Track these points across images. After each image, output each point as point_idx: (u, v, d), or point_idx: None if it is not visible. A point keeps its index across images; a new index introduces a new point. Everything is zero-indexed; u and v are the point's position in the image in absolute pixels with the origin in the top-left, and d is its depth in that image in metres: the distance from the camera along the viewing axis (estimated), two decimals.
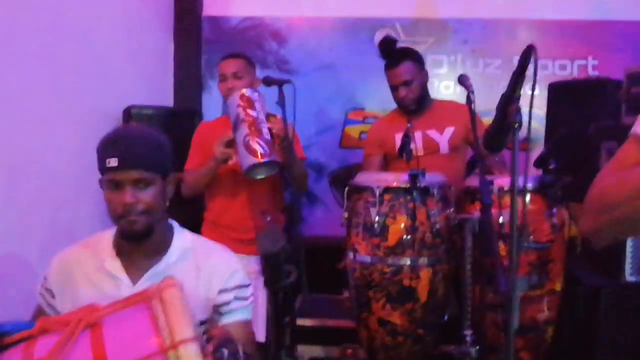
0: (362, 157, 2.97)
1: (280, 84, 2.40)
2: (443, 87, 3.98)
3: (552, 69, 3.92)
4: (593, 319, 2.35)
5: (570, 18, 3.89)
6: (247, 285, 1.58)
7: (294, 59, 3.99)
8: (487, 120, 3.89)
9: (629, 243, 2.34)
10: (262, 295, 2.48)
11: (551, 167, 2.25)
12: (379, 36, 2.97)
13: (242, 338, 1.48)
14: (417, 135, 2.65)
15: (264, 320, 2.55)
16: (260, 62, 3.95)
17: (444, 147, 2.72)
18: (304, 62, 3.98)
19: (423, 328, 2.29)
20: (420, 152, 2.61)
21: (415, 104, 2.72)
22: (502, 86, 3.97)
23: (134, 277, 1.50)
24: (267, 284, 1.21)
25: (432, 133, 2.71)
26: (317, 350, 3.04)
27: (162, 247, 1.54)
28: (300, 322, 3.08)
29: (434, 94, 3.05)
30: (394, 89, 2.76)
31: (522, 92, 1.68)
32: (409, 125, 2.29)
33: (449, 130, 2.72)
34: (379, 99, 3.90)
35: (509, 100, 1.28)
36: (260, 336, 2.51)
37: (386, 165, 2.84)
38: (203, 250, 1.58)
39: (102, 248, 1.54)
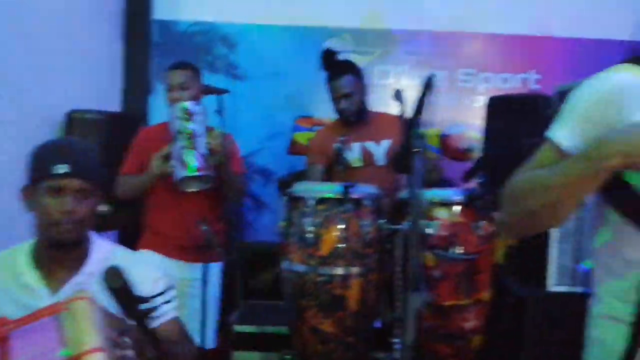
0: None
1: (219, 93, 2.43)
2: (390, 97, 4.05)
3: (494, 81, 4.05)
4: (519, 327, 2.45)
5: (514, 33, 4.02)
6: (171, 288, 1.61)
7: (243, 65, 4.01)
8: (430, 131, 4.05)
9: (553, 254, 2.44)
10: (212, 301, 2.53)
11: (479, 180, 2.33)
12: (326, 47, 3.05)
13: (176, 334, 1.56)
14: (355, 147, 2.71)
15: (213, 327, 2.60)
16: (209, 67, 3.97)
17: (381, 159, 2.78)
18: (253, 68, 4.00)
19: (353, 336, 2.34)
20: (358, 163, 2.67)
21: (355, 116, 2.78)
22: (447, 98, 4.12)
23: (54, 289, 1.50)
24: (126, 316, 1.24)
25: (370, 145, 2.78)
26: (256, 356, 3.07)
27: (82, 258, 1.54)
28: (240, 328, 3.11)
29: (380, 105, 3.11)
30: (335, 100, 2.81)
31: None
32: (340, 138, 2.35)
33: (386, 143, 2.78)
34: (327, 107, 3.91)
35: (412, 124, 1.32)
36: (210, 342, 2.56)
37: (329, 173, 2.89)
38: (123, 261, 1.59)
39: (18, 262, 1.53)
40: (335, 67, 2.82)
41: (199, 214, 2.49)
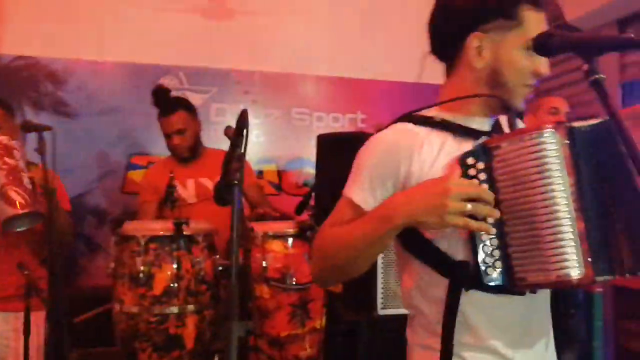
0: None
1: (39, 130, 2.30)
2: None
3: (326, 120, 4.29)
4: (352, 352, 2.57)
5: (343, 76, 4.31)
6: None
7: (72, 102, 3.84)
8: (268, 167, 4.18)
9: (379, 281, 2.61)
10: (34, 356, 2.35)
11: (311, 213, 2.45)
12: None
13: None
14: (190, 183, 2.72)
15: None
16: (34, 104, 3.76)
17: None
18: (84, 106, 3.85)
19: None
20: (193, 200, 2.68)
21: (189, 151, 2.81)
22: (281, 135, 4.27)
23: None
24: None
25: (205, 180, 2.80)
26: None
27: None
28: None
29: (217, 142, 3.14)
30: (167, 136, 2.81)
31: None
32: (171, 174, 2.35)
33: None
34: (163, 144, 3.92)
35: (230, 158, 1.39)
36: None
37: (162, 211, 2.86)
38: None
39: None
40: (168, 103, 2.83)
41: (19, 258, 2.32)
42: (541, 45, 1.07)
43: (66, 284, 3.04)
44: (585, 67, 0.94)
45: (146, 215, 2.80)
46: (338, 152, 3.36)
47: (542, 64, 1.16)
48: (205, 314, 2.32)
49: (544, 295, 1.22)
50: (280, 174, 4.23)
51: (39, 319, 2.45)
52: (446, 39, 1.23)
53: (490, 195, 1.06)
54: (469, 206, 1.04)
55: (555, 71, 4.19)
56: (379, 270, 2.63)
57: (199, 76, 4.06)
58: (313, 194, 3.37)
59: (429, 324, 1.20)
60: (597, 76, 0.94)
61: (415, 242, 1.18)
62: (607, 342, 3.61)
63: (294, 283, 2.40)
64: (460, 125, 1.19)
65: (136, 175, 3.94)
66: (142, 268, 2.22)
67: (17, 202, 2.14)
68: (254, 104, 4.14)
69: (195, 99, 4.03)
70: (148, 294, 2.24)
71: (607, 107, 0.91)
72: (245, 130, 1.29)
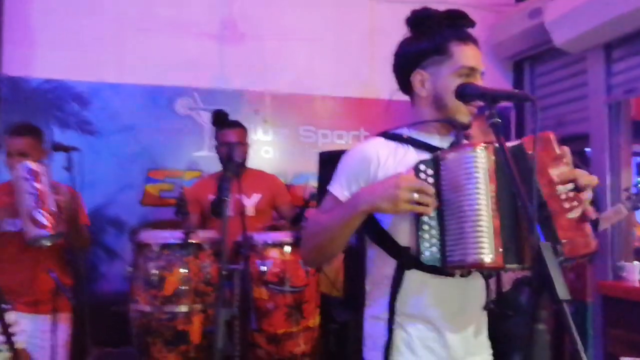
0: (163, 214, 3.24)
1: (68, 150, 2.60)
2: None
3: (331, 138, 4.56)
4: (343, 349, 2.83)
5: (346, 95, 4.57)
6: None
7: (95, 121, 4.12)
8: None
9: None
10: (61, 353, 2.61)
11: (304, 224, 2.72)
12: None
13: None
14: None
15: None
16: (60, 123, 4.06)
17: (250, 211, 3.11)
18: (106, 124, 4.12)
19: None
20: (231, 213, 2.93)
21: (242, 164, 3.11)
22: (289, 151, 4.53)
23: None
24: None
25: (242, 197, 3.05)
26: None
27: None
28: None
29: None
30: (227, 145, 3.09)
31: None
32: (181, 189, 2.63)
33: (256, 197, 3.12)
34: (178, 159, 4.23)
35: (223, 178, 1.67)
36: None
37: (203, 222, 3.16)
38: None
39: None
40: (230, 121, 3.22)
41: (47, 263, 2.60)
42: (458, 94, 1.35)
43: (87, 289, 3.32)
44: (487, 112, 1.22)
45: (190, 226, 3.00)
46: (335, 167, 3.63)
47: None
48: (210, 312, 2.60)
49: (478, 285, 1.48)
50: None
51: (64, 320, 2.73)
52: (401, 78, 1.58)
53: (430, 189, 1.33)
54: (415, 195, 1.33)
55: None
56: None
57: (212, 96, 4.29)
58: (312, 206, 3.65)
59: (379, 298, 1.48)
60: (494, 120, 1.22)
61: (374, 231, 1.48)
62: (596, 349, 3.81)
63: (290, 286, 2.67)
64: (420, 142, 1.51)
65: (153, 188, 4.22)
66: (155, 272, 2.50)
67: (43, 224, 2.42)
68: (264, 123, 4.43)
69: (208, 117, 4.33)
70: (159, 294, 2.52)
71: (498, 143, 1.18)
72: (233, 156, 1.56)
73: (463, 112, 1.47)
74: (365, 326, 1.54)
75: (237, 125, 3.33)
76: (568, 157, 1.31)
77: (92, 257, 3.99)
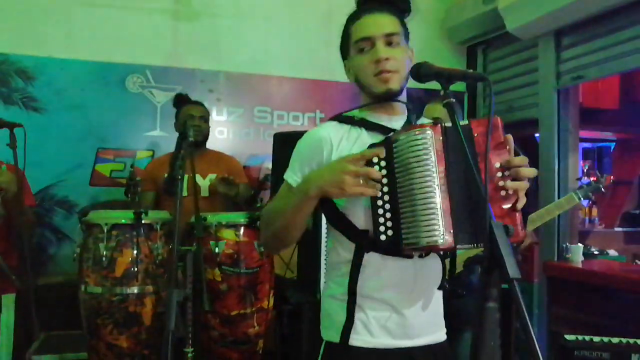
0: (113, 194, 3.17)
1: (11, 127, 2.50)
2: None
3: (287, 119, 4.54)
4: (297, 330, 2.84)
5: (302, 77, 4.55)
6: None
7: (42, 98, 3.99)
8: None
9: (323, 265, 2.88)
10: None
11: (258, 205, 2.70)
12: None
13: None
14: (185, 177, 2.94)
15: None
16: (5, 99, 3.91)
17: (204, 191, 3.07)
18: (53, 101, 3.99)
19: (148, 349, 2.55)
20: (186, 193, 2.89)
21: (203, 138, 3.19)
22: (244, 133, 4.48)
23: None
24: None
25: (197, 177, 3.01)
26: None
27: None
28: (39, 358, 3.11)
29: None
30: (191, 118, 3.20)
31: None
32: (131, 169, 2.57)
33: (211, 177, 3.08)
34: (129, 139, 4.13)
35: (176, 157, 1.64)
36: None
37: (158, 202, 3.13)
38: None
39: None
40: (189, 101, 3.29)
41: None
42: (413, 74, 1.35)
43: (35, 271, 3.24)
44: (442, 91, 1.23)
45: (144, 204, 3.00)
46: (292, 149, 3.62)
47: (376, 52, 1.45)
48: (162, 294, 2.56)
49: (435, 265, 1.51)
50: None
51: (9, 301, 2.66)
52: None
53: (374, 172, 1.34)
54: (360, 179, 1.33)
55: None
56: (322, 258, 2.90)
57: (165, 75, 4.22)
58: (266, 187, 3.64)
59: (338, 278, 1.49)
60: (448, 100, 1.22)
61: (333, 215, 1.48)
62: (541, 327, 3.95)
63: (243, 267, 2.65)
64: (372, 123, 1.51)
65: (104, 168, 4.13)
66: (105, 253, 2.45)
67: None
68: (218, 102, 4.37)
69: (160, 96, 4.25)
70: (110, 275, 2.47)
71: (453, 122, 1.19)
72: (187, 136, 1.53)
73: (376, 82, 1.47)
74: (324, 305, 1.54)
75: (200, 103, 3.39)
76: (511, 144, 1.31)
77: (41, 239, 3.88)
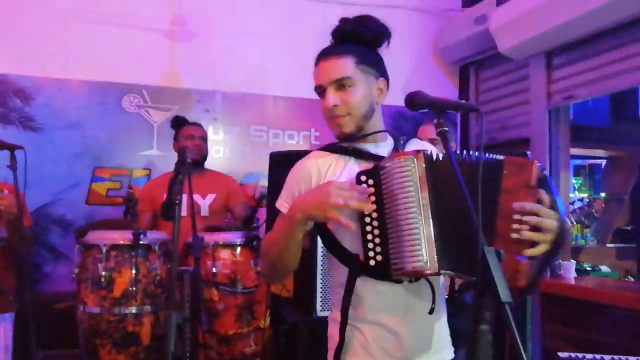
0: (109, 213, 3.19)
1: (12, 149, 2.52)
2: None
3: (282, 137, 4.58)
4: (293, 349, 2.86)
5: (298, 96, 4.59)
6: None
7: (39, 117, 4.02)
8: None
9: (318, 286, 2.90)
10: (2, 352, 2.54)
11: (254, 225, 2.73)
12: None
13: None
14: (184, 198, 2.97)
15: None
16: (2, 119, 3.94)
17: (204, 211, 3.09)
18: (50, 121, 4.02)
19: None
20: (185, 213, 2.91)
21: (202, 159, 3.20)
22: (240, 151, 4.51)
23: None
24: None
25: (196, 197, 3.05)
26: None
27: None
28: None
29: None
30: (191, 138, 3.23)
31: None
32: (130, 190, 2.59)
33: (211, 197, 3.11)
34: (125, 158, 4.16)
35: (173, 182, 1.67)
36: None
37: (155, 222, 3.14)
38: None
39: None
40: (187, 122, 3.33)
41: None
42: (406, 103, 1.39)
43: (31, 290, 3.24)
44: (436, 120, 1.27)
45: (141, 225, 3.02)
46: (288, 168, 3.65)
47: (326, 100, 1.50)
48: (160, 314, 2.58)
49: (428, 288, 1.53)
50: None
51: (6, 321, 2.67)
52: None
53: (354, 195, 1.36)
54: (341, 202, 1.35)
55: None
56: (318, 277, 2.91)
57: (161, 94, 4.26)
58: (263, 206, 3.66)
59: (337, 302, 1.52)
60: (442, 129, 1.27)
61: (328, 241, 1.51)
62: (535, 344, 3.97)
63: (240, 287, 2.68)
64: (361, 151, 1.53)
65: (100, 187, 4.15)
66: (103, 273, 2.47)
67: None
68: (215, 121, 4.41)
69: (157, 116, 4.29)
70: (109, 296, 2.49)
71: (446, 150, 1.23)
72: (186, 160, 1.57)
73: (333, 126, 1.52)
74: (329, 327, 1.58)
75: (198, 124, 3.46)
76: (543, 196, 1.29)
77: (37, 258, 3.89)
